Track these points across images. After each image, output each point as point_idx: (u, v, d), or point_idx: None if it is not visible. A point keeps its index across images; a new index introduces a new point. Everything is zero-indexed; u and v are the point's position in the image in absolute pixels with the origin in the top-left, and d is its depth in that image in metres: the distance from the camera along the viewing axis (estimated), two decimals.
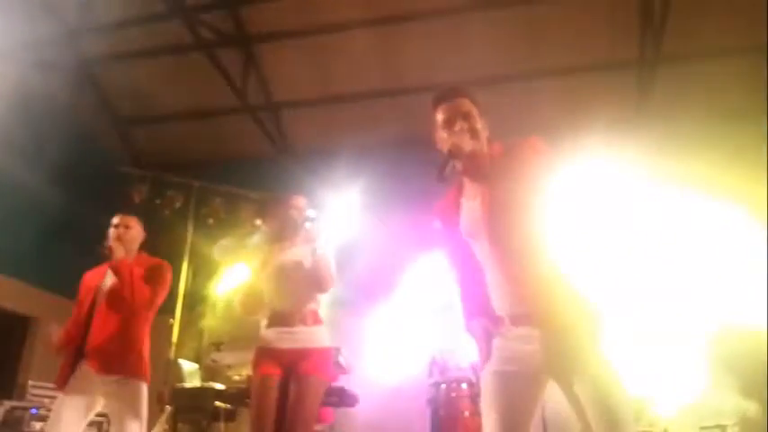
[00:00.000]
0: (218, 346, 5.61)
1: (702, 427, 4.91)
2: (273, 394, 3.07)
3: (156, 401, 4.78)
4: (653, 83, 6.67)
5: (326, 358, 3.22)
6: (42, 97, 6.96)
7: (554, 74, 6.95)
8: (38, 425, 5.13)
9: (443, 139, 2.23)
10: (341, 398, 4.78)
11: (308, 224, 3.32)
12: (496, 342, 2.15)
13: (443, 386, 4.78)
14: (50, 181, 6.60)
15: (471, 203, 2.22)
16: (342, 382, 4.94)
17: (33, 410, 5.25)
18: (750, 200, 5.82)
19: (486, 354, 2.16)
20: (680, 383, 5.07)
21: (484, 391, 2.15)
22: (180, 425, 4.89)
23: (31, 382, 5.75)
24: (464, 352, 5.09)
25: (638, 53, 6.60)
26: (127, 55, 7.44)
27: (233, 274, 7.20)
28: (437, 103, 2.28)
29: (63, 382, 3.25)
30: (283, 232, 3.40)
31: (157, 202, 6.63)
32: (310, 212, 3.40)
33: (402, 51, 6.98)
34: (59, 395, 3.26)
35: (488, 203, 2.14)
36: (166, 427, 4.82)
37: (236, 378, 5.14)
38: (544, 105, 6.92)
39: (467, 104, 2.24)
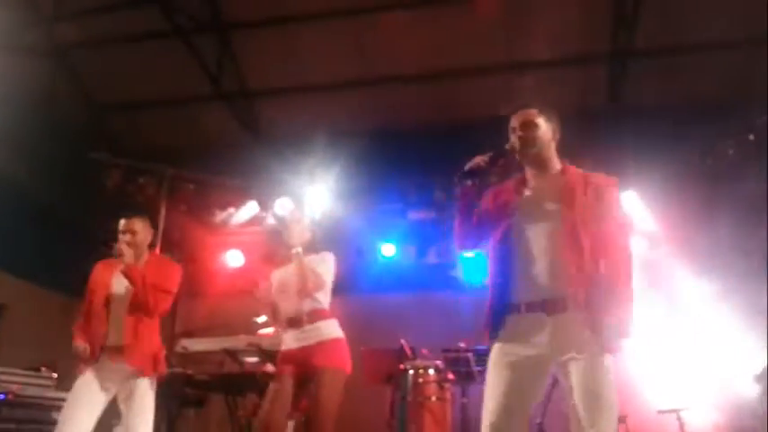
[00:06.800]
0: (188, 333, 5.61)
1: (659, 411, 5.03)
2: (284, 391, 3.24)
3: None
4: (626, 76, 6.76)
5: (338, 348, 3.34)
6: (17, 83, 6.86)
7: (528, 66, 7.01)
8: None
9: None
10: None
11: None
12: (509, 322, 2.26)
13: (411, 371, 4.82)
14: (24, 167, 6.53)
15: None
16: None
17: (1, 396, 5.21)
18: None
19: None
20: (637, 367, 5.19)
21: (491, 366, 2.27)
22: None
23: None
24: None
25: (610, 46, 6.69)
26: (102, 41, 7.35)
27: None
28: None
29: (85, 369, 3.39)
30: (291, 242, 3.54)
31: (130, 188, 6.59)
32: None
33: (376, 41, 6.99)
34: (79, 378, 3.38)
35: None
36: None
37: (206, 365, 5.16)
38: (518, 97, 6.97)
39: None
